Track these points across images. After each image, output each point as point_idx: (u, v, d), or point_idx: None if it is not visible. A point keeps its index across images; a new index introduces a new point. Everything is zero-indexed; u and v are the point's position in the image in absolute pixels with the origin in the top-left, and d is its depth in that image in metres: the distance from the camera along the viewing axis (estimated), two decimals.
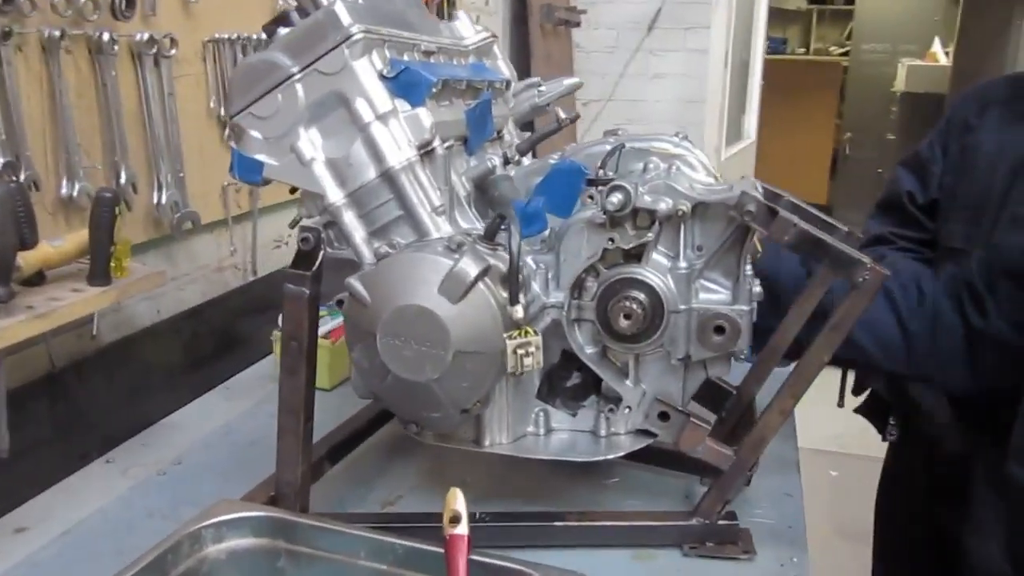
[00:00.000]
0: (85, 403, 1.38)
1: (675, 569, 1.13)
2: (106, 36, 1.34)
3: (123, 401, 1.47)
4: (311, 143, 1.05)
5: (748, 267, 1.16)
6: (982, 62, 4.12)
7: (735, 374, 1.25)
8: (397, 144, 1.03)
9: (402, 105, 1.05)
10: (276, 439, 1.12)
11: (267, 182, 1.09)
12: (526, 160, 1.34)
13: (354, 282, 1.01)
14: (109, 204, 1.21)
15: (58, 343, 1.32)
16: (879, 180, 5.20)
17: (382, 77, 1.04)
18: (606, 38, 4.18)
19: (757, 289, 1.15)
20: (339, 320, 1.72)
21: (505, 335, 0.96)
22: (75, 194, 1.32)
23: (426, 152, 1.05)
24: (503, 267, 1.00)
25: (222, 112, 1.67)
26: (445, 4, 2.60)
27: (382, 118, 1.03)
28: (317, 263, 1.06)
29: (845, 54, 6.28)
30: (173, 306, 1.62)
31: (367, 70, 1.03)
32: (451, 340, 0.97)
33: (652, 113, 4.20)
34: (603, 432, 1.18)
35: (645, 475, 1.33)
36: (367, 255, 1.06)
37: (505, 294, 0.99)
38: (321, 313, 1.76)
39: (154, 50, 1.44)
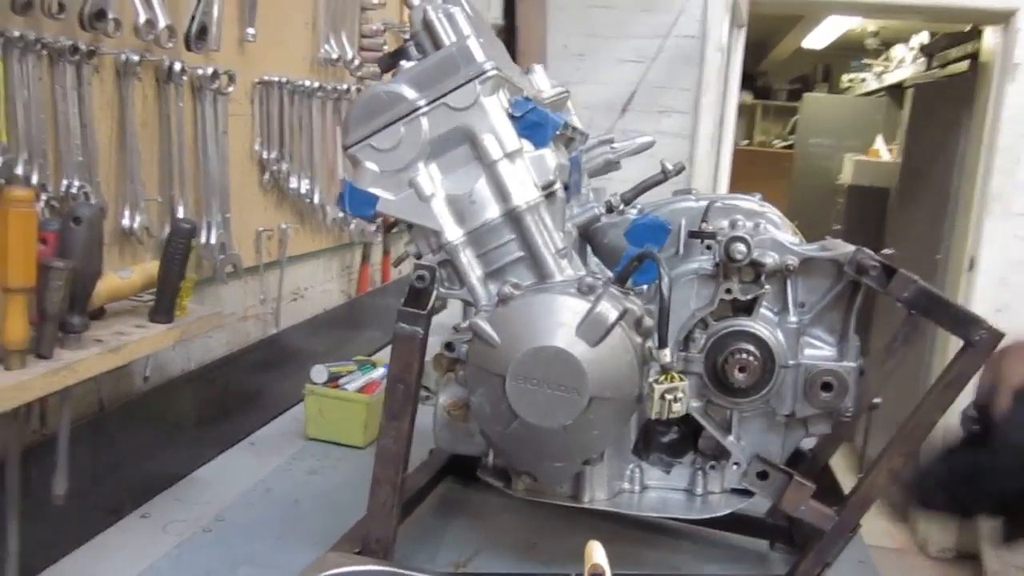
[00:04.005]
0: (124, 450, 1.27)
1: None
2: (177, 66, 1.29)
3: (156, 451, 1.36)
4: (431, 179, 1.02)
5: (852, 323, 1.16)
6: (932, 159, 4.34)
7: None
8: (523, 184, 1.01)
9: (526, 145, 1.03)
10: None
11: (376, 217, 1.05)
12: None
13: (481, 323, 0.97)
14: (186, 236, 1.14)
15: (105, 383, 1.23)
16: None
17: (509, 116, 1.02)
18: (581, 117, 4.25)
19: (858, 345, 1.15)
20: (372, 374, 1.65)
21: (651, 379, 0.93)
22: (135, 226, 1.25)
23: (549, 193, 1.03)
24: (637, 311, 0.97)
25: (264, 155, 1.62)
26: None
27: (510, 156, 1.01)
28: (431, 302, 1.02)
29: (788, 147, 6.56)
30: (201, 354, 1.53)
31: (496, 107, 1.01)
32: (587, 384, 0.93)
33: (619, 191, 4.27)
34: (699, 490, 1.15)
35: (712, 536, 1.29)
36: (483, 296, 1.02)
37: (639, 339, 0.96)
38: (348, 367, 1.70)
39: (215, 85, 1.39)
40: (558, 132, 1.18)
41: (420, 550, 1.23)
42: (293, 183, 1.70)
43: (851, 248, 1.19)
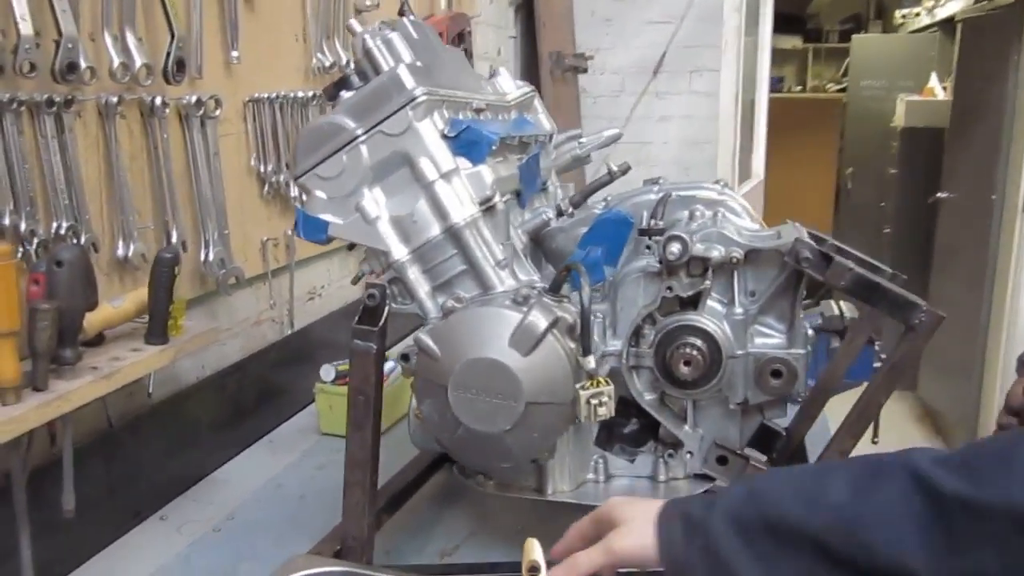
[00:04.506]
0: (138, 460, 1.38)
1: None
2: (158, 100, 1.37)
3: (172, 457, 1.47)
4: (375, 202, 1.08)
5: (802, 311, 1.18)
6: (982, 96, 4.19)
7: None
8: (460, 201, 1.06)
9: (463, 163, 1.08)
10: (342, 492, 1.12)
11: (330, 240, 1.12)
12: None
13: (424, 336, 1.03)
14: (169, 264, 1.23)
15: (111, 402, 1.34)
16: (881, 213, 5.26)
17: (444, 136, 1.07)
18: (612, 83, 4.24)
19: (811, 332, 1.18)
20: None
21: (578, 385, 0.98)
22: (130, 254, 1.34)
23: (488, 208, 1.08)
24: (570, 319, 1.02)
25: (262, 169, 1.70)
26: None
27: (445, 176, 1.06)
28: (383, 319, 1.08)
29: (842, 90, 6.38)
30: (216, 361, 1.64)
31: (430, 130, 1.06)
32: (523, 391, 0.99)
33: (659, 155, 4.25)
34: (662, 477, 1.20)
35: None
36: (432, 309, 1.08)
37: (572, 345, 1.01)
38: None
39: (201, 112, 1.47)
40: (512, 140, 1.24)
41: (411, 539, 1.32)
42: (294, 191, 1.78)
43: (803, 233, 1.22)
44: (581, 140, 1.45)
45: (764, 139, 4.18)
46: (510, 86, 1.42)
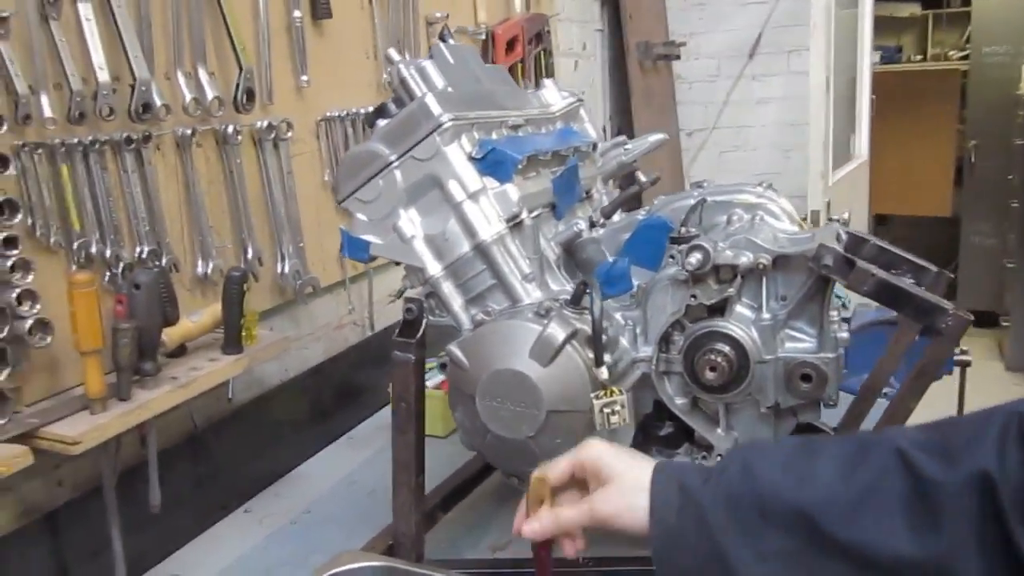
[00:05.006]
0: (223, 459, 1.52)
1: None
2: (231, 128, 1.49)
3: (257, 455, 1.60)
4: (411, 222, 1.16)
5: (833, 314, 1.19)
6: None
7: (834, 416, 1.27)
8: (487, 219, 1.12)
9: (491, 182, 1.14)
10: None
11: (373, 259, 1.20)
12: (616, 217, 1.41)
13: (454, 349, 1.10)
14: (238, 282, 1.35)
15: (198, 406, 1.47)
16: (1008, 187, 4.96)
17: (471, 159, 1.14)
18: (707, 68, 4.20)
19: (843, 335, 1.18)
20: None
21: (592, 395, 1.03)
22: (209, 271, 1.47)
23: (515, 224, 1.14)
24: (588, 330, 1.07)
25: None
26: (542, 59, 2.70)
27: (473, 196, 1.12)
28: (421, 331, 1.16)
29: (965, 58, 6.03)
30: (298, 364, 1.76)
31: (457, 154, 1.13)
32: (543, 400, 1.04)
33: (757, 138, 4.18)
34: None
35: None
36: (465, 322, 1.15)
37: (591, 355, 1.06)
38: (430, 365, 1.88)
39: (272, 135, 1.59)
40: (544, 155, 1.29)
41: (467, 535, 1.40)
42: None
43: (838, 234, 1.22)
44: (627, 147, 1.48)
45: (868, 117, 4.03)
46: (555, 97, 1.47)
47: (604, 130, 3.62)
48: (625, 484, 0.82)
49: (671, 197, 1.38)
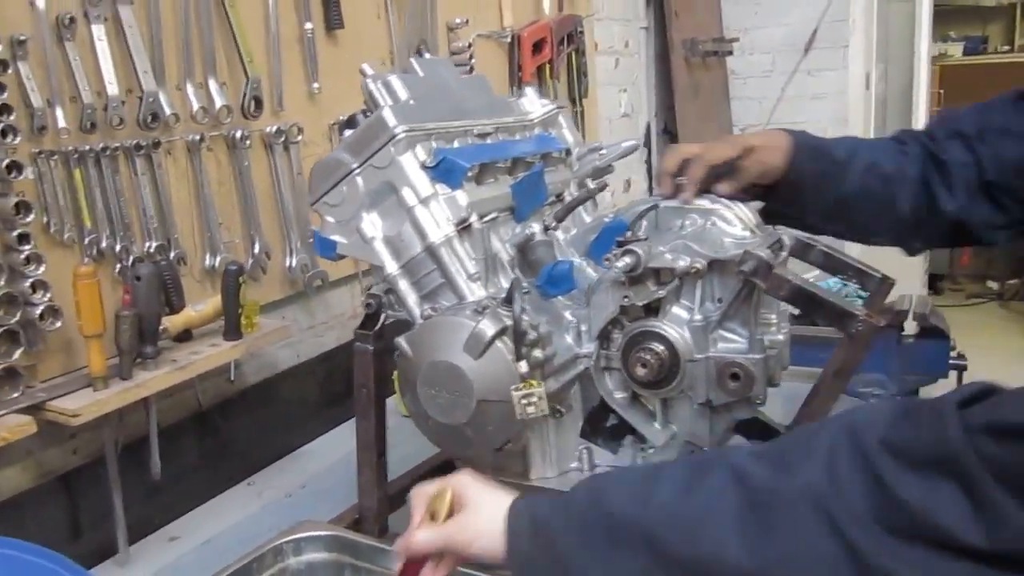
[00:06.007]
0: (230, 436, 1.67)
1: None
2: (239, 134, 1.63)
3: (265, 433, 1.75)
4: (372, 224, 1.26)
5: (772, 317, 1.25)
6: None
7: (787, 412, 1.33)
8: (437, 223, 1.22)
9: (444, 188, 1.24)
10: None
11: (341, 258, 1.31)
12: (587, 219, 1.49)
13: (401, 341, 1.21)
14: (234, 275, 1.49)
15: (206, 387, 1.62)
16: None
17: (424, 167, 1.23)
18: (762, 63, 4.17)
19: (778, 337, 1.24)
20: None
21: (512, 387, 1.11)
22: (217, 264, 1.61)
23: (464, 227, 1.23)
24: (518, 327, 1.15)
25: None
26: (574, 59, 2.77)
27: (424, 202, 1.22)
28: (380, 323, 1.27)
29: None
30: (311, 351, 1.90)
31: (411, 162, 1.23)
32: (474, 390, 1.14)
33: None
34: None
35: None
36: (417, 316, 1.25)
37: (523, 350, 1.15)
38: None
39: (282, 139, 1.72)
40: (504, 162, 1.37)
41: None
42: None
43: (789, 240, 1.27)
44: (601, 152, 1.55)
45: (925, 112, 3.94)
46: (534, 105, 1.55)
47: (648, 126, 3.66)
48: (484, 512, 0.89)
49: (638, 201, 1.45)
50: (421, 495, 0.95)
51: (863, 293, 1.37)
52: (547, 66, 2.63)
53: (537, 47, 2.58)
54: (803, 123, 4.15)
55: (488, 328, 1.13)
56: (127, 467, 1.43)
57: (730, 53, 3.99)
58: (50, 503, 1.39)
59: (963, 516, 0.65)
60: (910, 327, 1.91)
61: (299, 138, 1.76)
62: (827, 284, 2.64)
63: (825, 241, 1.37)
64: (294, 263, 1.78)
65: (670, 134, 3.72)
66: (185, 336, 1.52)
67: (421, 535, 0.90)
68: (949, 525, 0.65)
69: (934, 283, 5.61)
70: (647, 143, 3.62)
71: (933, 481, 0.67)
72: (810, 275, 1.37)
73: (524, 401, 1.10)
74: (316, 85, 1.81)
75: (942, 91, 4.24)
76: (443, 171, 1.24)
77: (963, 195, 1.28)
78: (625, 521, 0.80)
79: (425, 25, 2.12)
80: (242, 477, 1.68)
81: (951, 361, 1.89)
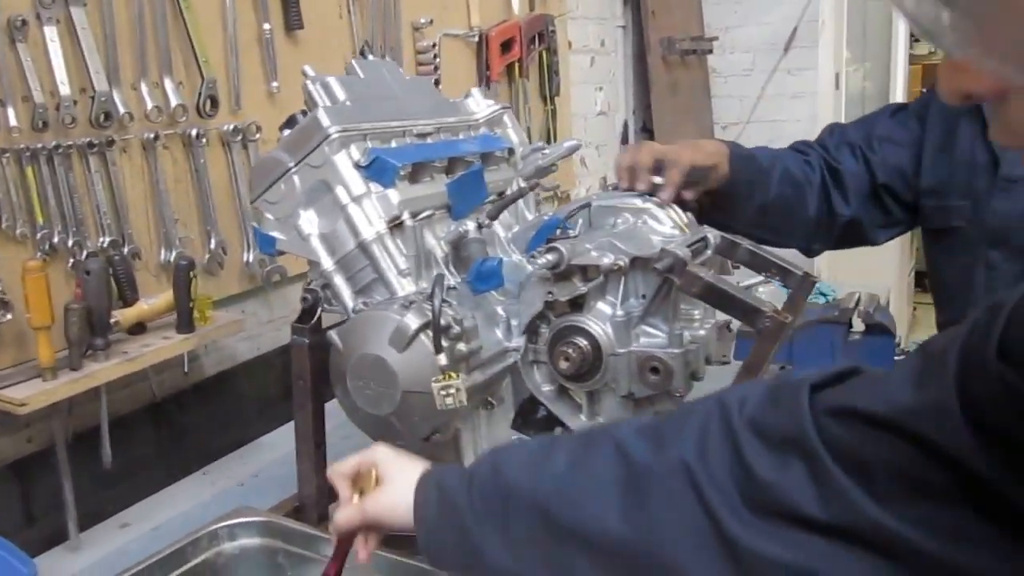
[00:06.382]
0: (185, 427, 1.71)
1: None
2: (195, 132, 1.67)
3: (222, 424, 1.79)
4: (309, 221, 1.31)
5: (695, 312, 1.29)
6: None
7: None
8: (369, 220, 1.26)
9: (376, 187, 1.28)
10: None
11: (281, 253, 1.36)
12: (529, 216, 1.54)
13: (332, 334, 1.25)
14: (185, 270, 1.53)
15: (162, 379, 1.67)
16: None
17: (357, 166, 1.28)
18: (742, 61, 4.20)
19: (700, 333, 1.28)
20: None
21: (432, 379, 1.16)
22: (172, 259, 1.66)
23: (396, 225, 1.27)
24: (444, 320, 1.20)
25: None
26: (545, 57, 2.81)
27: (356, 200, 1.27)
28: (316, 317, 1.31)
29: None
30: (270, 344, 1.95)
31: (344, 161, 1.27)
32: (399, 382, 1.18)
33: (792, 133, 4.14)
34: None
35: None
36: (351, 311, 1.29)
37: (446, 343, 1.19)
38: None
39: (240, 137, 1.77)
40: (440, 162, 1.41)
41: None
42: None
43: (713, 238, 1.32)
44: (544, 152, 1.59)
45: None
46: (480, 106, 1.59)
47: (626, 124, 3.70)
48: (396, 485, 0.93)
49: (574, 201, 1.50)
50: (338, 473, 0.99)
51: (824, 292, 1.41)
52: (516, 65, 2.67)
53: (506, 46, 2.62)
54: (783, 121, 4.20)
55: (412, 322, 1.17)
56: (80, 456, 1.47)
57: (710, 51, 4.02)
58: (2, 490, 1.44)
59: (807, 491, 0.69)
60: (857, 324, 1.95)
61: (257, 136, 1.80)
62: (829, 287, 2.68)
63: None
64: (251, 258, 1.82)
65: (648, 132, 3.75)
66: (139, 329, 1.56)
67: (341, 514, 0.95)
68: (795, 500, 0.70)
69: (921, 280, 5.65)
70: (624, 140, 3.66)
71: (785, 459, 0.71)
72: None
73: (443, 392, 1.14)
74: (275, 84, 1.85)
75: (924, 90, 4.27)
76: (375, 170, 1.28)
77: (855, 200, 1.40)
78: (519, 491, 0.85)
79: (388, 25, 2.16)
80: (197, 467, 1.73)
81: (896, 358, 1.93)
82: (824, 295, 2.54)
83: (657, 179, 1.39)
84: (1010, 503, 0.61)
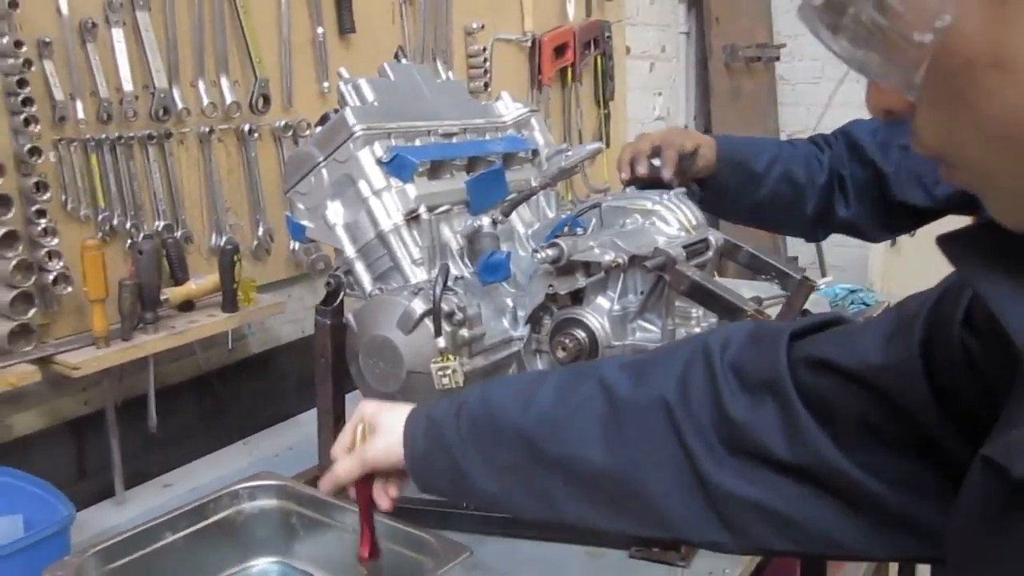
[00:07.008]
0: (228, 399, 1.85)
1: (619, 568, 1.34)
2: (247, 127, 1.81)
3: (263, 399, 1.93)
4: (335, 212, 1.42)
5: (692, 311, 1.35)
6: None
7: None
8: (387, 212, 1.36)
9: (396, 182, 1.38)
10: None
11: (311, 241, 1.47)
12: (550, 214, 1.62)
13: (349, 316, 1.36)
14: (230, 253, 1.66)
15: (208, 354, 1.80)
16: None
17: (379, 162, 1.38)
18: (811, 69, 4.18)
19: (698, 330, 1.34)
20: None
21: (431, 361, 1.25)
22: (222, 243, 1.79)
23: (413, 217, 1.37)
24: (446, 307, 1.28)
25: None
26: (600, 62, 2.88)
27: (377, 193, 1.37)
28: (338, 300, 1.42)
29: None
30: (313, 328, 2.07)
31: (368, 158, 1.38)
32: (404, 362, 1.28)
33: None
34: None
35: None
36: (368, 295, 1.39)
37: (449, 328, 1.28)
38: None
39: (290, 133, 1.89)
40: (460, 160, 1.50)
41: None
42: None
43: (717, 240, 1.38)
44: (568, 153, 1.67)
45: None
46: (508, 109, 1.68)
47: (687, 128, 3.73)
48: (388, 428, 0.98)
49: (588, 200, 1.57)
50: (339, 448, 1.07)
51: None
52: (569, 69, 2.74)
53: (559, 51, 2.69)
54: None
55: (418, 307, 1.27)
56: (129, 420, 1.62)
57: (776, 59, 4.01)
58: (60, 445, 1.59)
59: (776, 433, 0.76)
60: None
61: (307, 132, 1.92)
62: (832, 291, 2.69)
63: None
64: (297, 246, 1.95)
65: None
66: (187, 307, 1.70)
67: (341, 465, 1.01)
68: (765, 440, 0.76)
69: None
70: None
71: (759, 400, 0.77)
72: None
73: (440, 373, 1.23)
74: (326, 84, 1.98)
75: None
76: (395, 166, 1.38)
77: (856, 205, 1.43)
78: (507, 421, 0.89)
79: (440, 29, 2.26)
80: (238, 437, 1.86)
81: None
82: (867, 305, 2.53)
83: (656, 161, 1.48)
84: (955, 460, 0.67)
